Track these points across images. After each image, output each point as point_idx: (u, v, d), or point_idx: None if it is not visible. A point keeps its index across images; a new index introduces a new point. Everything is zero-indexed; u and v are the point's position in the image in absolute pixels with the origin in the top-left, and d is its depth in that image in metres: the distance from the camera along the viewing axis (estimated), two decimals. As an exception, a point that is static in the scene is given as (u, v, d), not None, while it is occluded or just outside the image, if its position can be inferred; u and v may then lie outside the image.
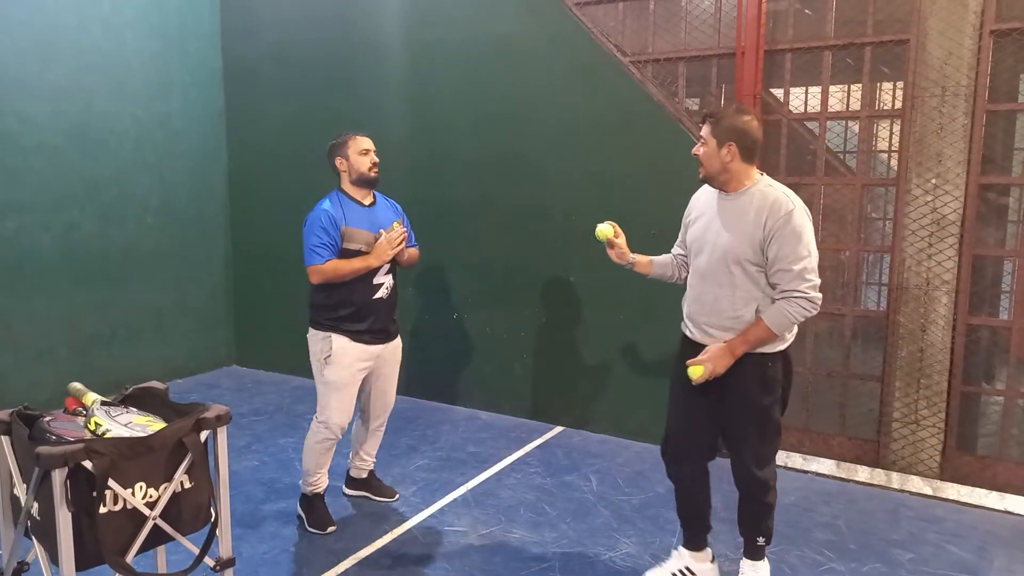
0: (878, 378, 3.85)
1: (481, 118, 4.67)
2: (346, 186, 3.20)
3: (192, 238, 5.57)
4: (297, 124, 5.33)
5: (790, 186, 3.91)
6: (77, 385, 2.09)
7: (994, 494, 3.57)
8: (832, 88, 3.92)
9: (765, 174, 2.61)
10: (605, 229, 2.82)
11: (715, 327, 2.60)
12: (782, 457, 4.03)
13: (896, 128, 4.51)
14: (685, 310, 2.75)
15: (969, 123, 3.50)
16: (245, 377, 5.66)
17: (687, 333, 2.73)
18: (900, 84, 3.93)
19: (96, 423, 1.89)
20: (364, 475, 3.56)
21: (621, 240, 2.83)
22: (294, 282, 5.85)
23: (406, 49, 4.87)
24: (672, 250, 2.93)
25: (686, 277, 2.81)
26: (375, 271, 3.14)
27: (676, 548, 2.92)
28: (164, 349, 5.40)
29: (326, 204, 3.12)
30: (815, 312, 2.49)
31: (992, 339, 3.76)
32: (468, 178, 4.75)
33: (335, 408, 3.14)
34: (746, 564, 2.80)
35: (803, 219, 2.46)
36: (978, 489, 3.61)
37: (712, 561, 2.90)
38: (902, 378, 3.75)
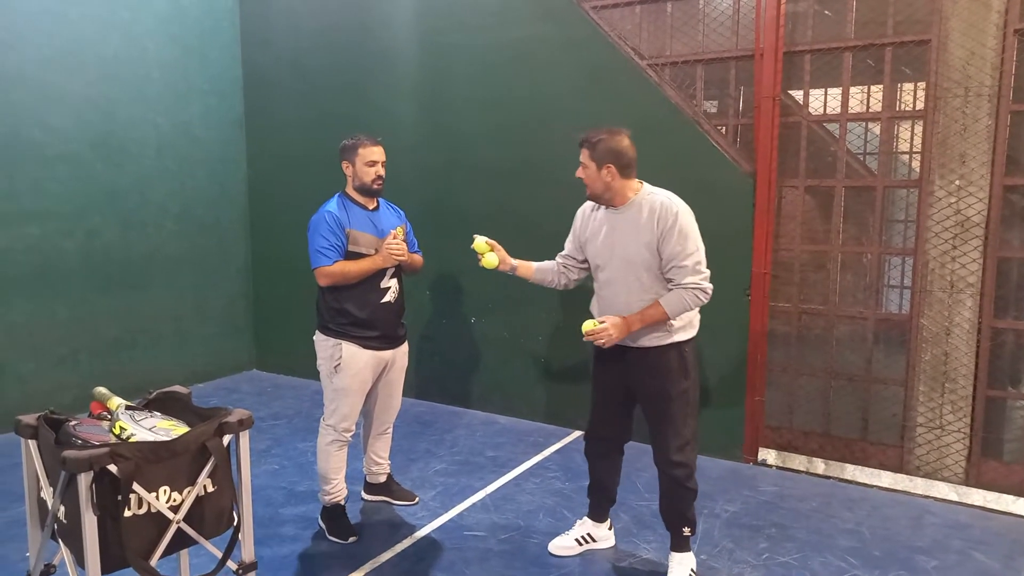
0: (901, 382, 3.80)
1: (497, 124, 4.67)
2: (350, 189, 3.22)
3: (212, 244, 5.62)
4: (315, 130, 5.37)
5: (810, 188, 3.92)
6: (102, 390, 2.11)
7: (1021, 500, 3.51)
8: (852, 89, 3.88)
9: (645, 183, 2.80)
10: (480, 244, 3.01)
11: (647, 337, 2.76)
12: (804, 462, 3.99)
13: (918, 129, 4.46)
14: (599, 318, 2.89)
15: (993, 124, 3.45)
16: (264, 381, 5.70)
17: None
18: (922, 85, 3.89)
19: (121, 427, 1.91)
20: (382, 479, 3.56)
21: (500, 250, 3.04)
22: (313, 287, 5.86)
23: (422, 56, 4.90)
24: (557, 257, 3.06)
25: (566, 284, 3.07)
26: (381, 275, 3.17)
27: (581, 518, 3.21)
28: (184, 354, 5.45)
29: (331, 206, 3.15)
30: (707, 301, 2.69)
31: (1018, 343, 3.70)
32: (484, 184, 4.75)
33: (343, 413, 3.17)
34: (674, 557, 2.91)
35: (688, 219, 2.67)
36: (1005, 495, 3.55)
37: (610, 528, 3.20)
38: (926, 382, 3.70)
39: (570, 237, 3.02)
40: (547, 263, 3.09)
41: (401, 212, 3.42)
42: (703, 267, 2.67)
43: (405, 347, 3.38)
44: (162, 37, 5.13)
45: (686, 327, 2.78)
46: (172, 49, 5.21)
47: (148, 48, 5.05)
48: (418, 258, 3.36)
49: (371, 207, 3.23)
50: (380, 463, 3.53)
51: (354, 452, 3.44)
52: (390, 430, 3.51)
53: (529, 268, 3.07)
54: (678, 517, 2.88)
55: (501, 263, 3.01)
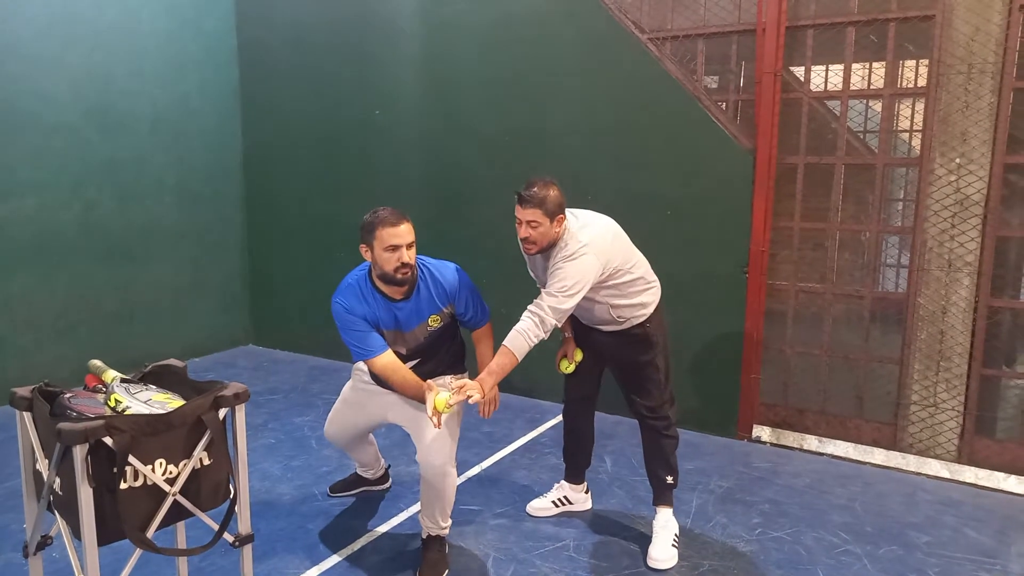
0: (896, 361, 3.81)
1: (497, 97, 4.63)
2: (373, 275, 2.69)
3: (209, 217, 5.60)
4: (312, 102, 5.31)
5: (808, 166, 3.88)
6: (97, 362, 2.11)
7: (1013, 478, 3.54)
8: (853, 66, 3.84)
9: (567, 219, 2.74)
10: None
11: (605, 326, 2.93)
12: (797, 439, 4.02)
13: (919, 107, 4.42)
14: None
15: (996, 101, 3.42)
16: (262, 356, 5.71)
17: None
18: (924, 62, 3.85)
19: (116, 400, 1.91)
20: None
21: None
22: (310, 263, 5.89)
23: (422, 26, 4.83)
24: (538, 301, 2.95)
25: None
26: (401, 350, 2.78)
27: (558, 481, 3.32)
28: (182, 328, 5.45)
29: (345, 296, 2.68)
30: (542, 334, 2.64)
31: (1014, 322, 3.71)
32: (483, 158, 4.72)
33: (329, 416, 3.15)
34: (659, 518, 2.98)
35: (578, 261, 2.64)
36: (997, 473, 3.58)
37: (586, 492, 3.32)
38: (921, 360, 3.71)
39: (532, 274, 3.05)
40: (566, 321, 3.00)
41: (447, 286, 2.78)
42: (559, 303, 2.60)
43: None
44: (157, 7, 5.06)
45: (638, 313, 2.85)
46: (167, 20, 5.14)
47: (143, 19, 4.98)
48: (487, 360, 2.74)
49: (398, 297, 2.70)
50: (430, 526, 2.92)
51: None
52: (434, 488, 2.73)
53: (568, 327, 3.12)
54: (661, 463, 2.97)
55: (565, 352, 3.13)
